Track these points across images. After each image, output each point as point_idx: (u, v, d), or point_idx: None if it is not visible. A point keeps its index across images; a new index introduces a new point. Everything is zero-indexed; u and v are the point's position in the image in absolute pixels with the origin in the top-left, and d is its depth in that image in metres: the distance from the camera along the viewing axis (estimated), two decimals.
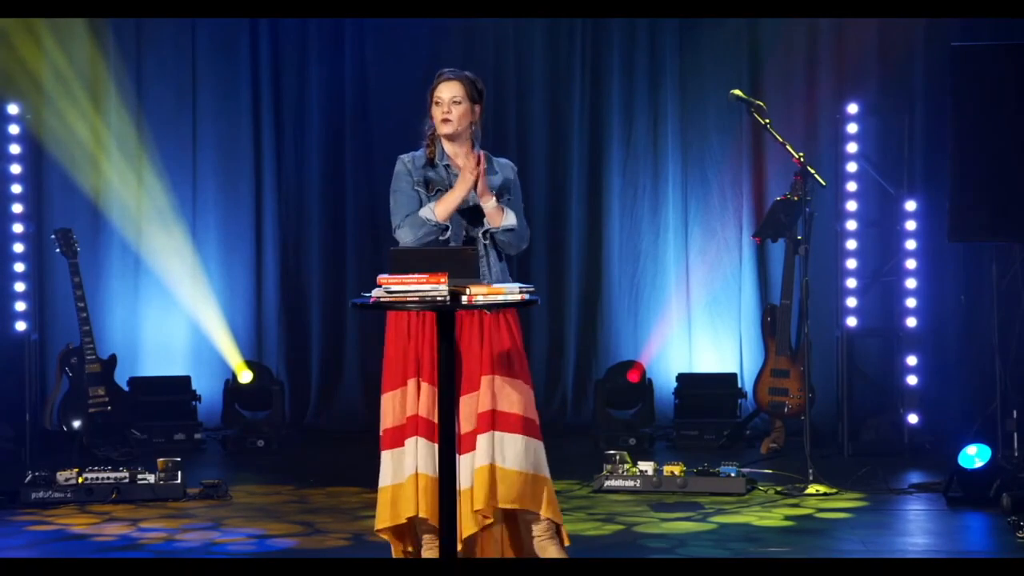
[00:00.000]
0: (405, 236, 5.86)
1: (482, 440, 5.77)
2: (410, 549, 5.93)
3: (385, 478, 5.85)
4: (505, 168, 6.02)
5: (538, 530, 5.90)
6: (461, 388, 5.75)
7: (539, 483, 5.85)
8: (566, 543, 5.94)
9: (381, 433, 5.88)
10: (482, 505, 5.74)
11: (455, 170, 5.89)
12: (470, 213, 5.87)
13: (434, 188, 5.89)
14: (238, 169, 10.12)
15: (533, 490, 5.82)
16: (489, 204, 5.83)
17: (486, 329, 5.81)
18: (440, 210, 5.81)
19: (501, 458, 5.77)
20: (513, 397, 5.82)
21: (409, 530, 5.90)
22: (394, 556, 5.94)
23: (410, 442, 5.78)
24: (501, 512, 5.85)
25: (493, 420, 5.78)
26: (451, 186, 5.86)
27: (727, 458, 8.51)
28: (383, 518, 5.87)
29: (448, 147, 5.94)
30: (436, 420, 5.66)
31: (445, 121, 5.88)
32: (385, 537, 5.94)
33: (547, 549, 5.90)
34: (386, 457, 5.85)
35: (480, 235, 5.87)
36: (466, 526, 5.74)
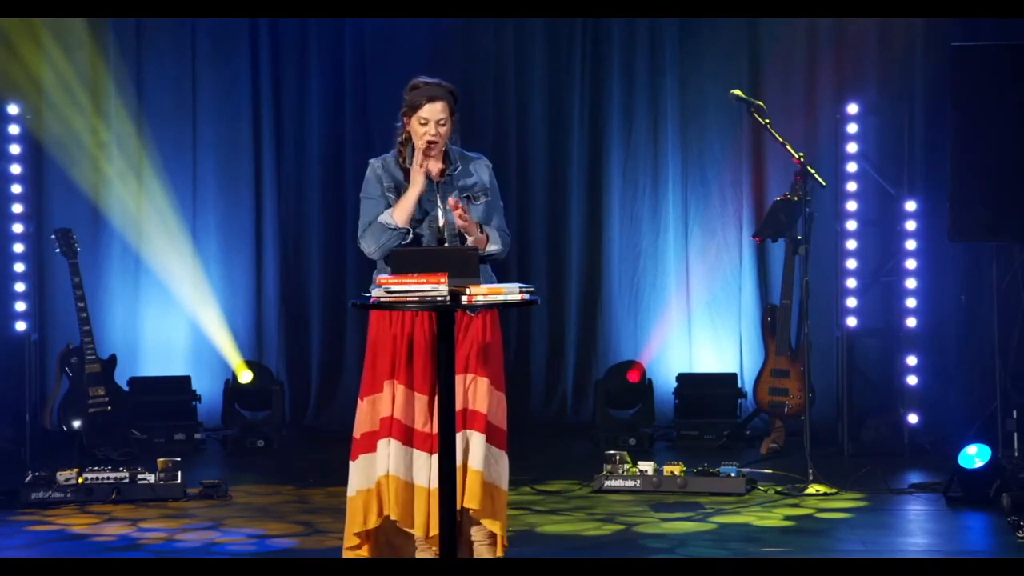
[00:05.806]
0: (368, 245, 5.73)
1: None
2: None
3: (359, 483, 5.73)
4: (479, 167, 5.87)
5: (478, 534, 5.80)
6: (436, 387, 5.61)
7: (498, 495, 5.73)
8: (501, 552, 5.78)
9: (355, 439, 5.74)
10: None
11: (428, 173, 5.75)
12: (461, 236, 5.71)
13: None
14: (238, 169, 10.11)
15: (493, 502, 5.71)
16: (474, 236, 5.68)
17: (463, 326, 5.71)
18: (399, 214, 5.68)
19: (471, 459, 5.67)
20: (484, 399, 5.71)
21: (378, 536, 5.79)
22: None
23: (382, 443, 5.67)
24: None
25: (465, 419, 5.68)
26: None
27: (727, 458, 8.50)
28: (355, 522, 5.73)
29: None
30: (412, 425, 5.65)
31: (432, 144, 5.74)
32: (356, 554, 5.75)
33: (483, 553, 5.79)
34: (360, 463, 5.73)
35: None
36: (434, 525, 5.62)
